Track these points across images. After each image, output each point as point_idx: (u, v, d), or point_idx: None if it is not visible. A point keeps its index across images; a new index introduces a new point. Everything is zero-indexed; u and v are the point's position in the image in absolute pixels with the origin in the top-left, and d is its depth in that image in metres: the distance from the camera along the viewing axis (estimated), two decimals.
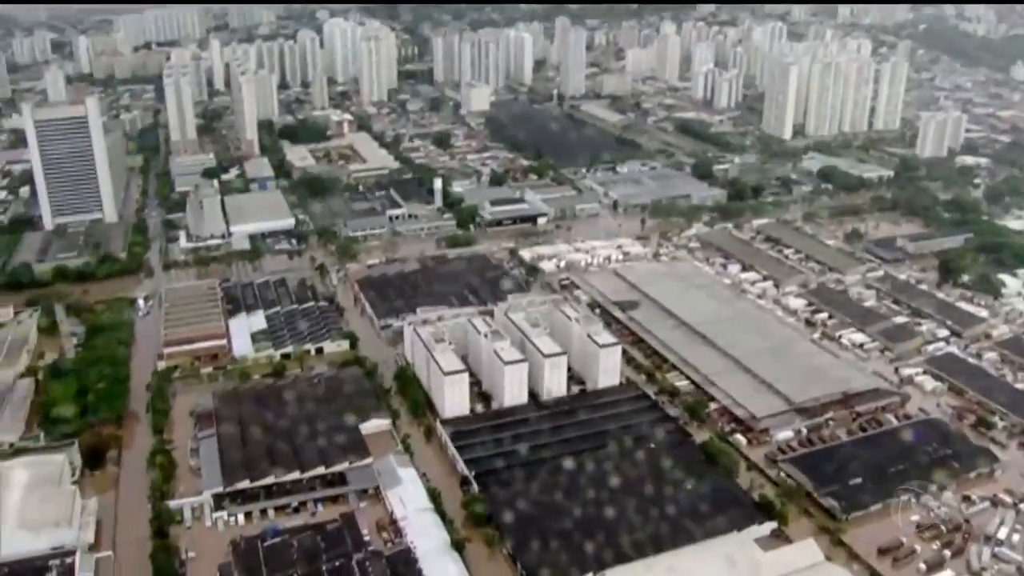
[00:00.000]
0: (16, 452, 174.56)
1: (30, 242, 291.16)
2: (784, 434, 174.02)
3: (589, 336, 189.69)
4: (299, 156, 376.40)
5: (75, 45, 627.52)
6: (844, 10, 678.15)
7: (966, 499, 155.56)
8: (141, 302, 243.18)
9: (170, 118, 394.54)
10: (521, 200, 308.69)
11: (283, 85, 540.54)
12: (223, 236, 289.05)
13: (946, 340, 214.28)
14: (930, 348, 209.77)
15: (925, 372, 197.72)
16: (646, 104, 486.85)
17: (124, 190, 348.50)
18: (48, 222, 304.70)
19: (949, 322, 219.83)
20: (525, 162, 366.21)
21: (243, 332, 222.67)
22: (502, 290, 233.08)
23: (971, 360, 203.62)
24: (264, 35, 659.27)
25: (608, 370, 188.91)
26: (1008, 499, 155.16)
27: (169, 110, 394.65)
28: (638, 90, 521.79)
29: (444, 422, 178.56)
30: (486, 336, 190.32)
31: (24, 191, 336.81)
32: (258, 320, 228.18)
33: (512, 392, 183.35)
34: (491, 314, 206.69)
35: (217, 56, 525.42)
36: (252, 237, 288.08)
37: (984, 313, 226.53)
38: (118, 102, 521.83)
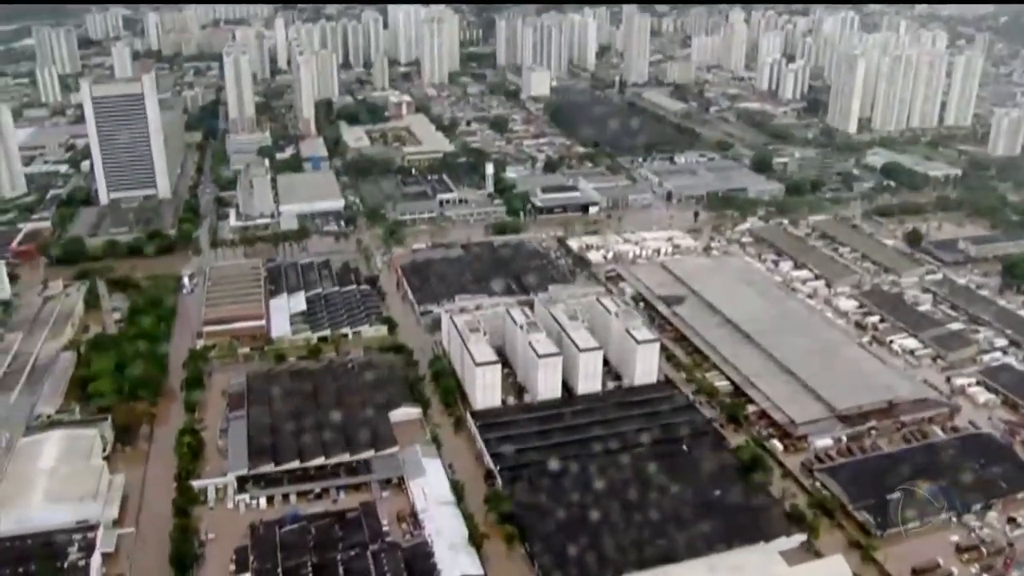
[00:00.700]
0: (51, 424, 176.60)
1: (85, 216, 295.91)
2: (823, 442, 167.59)
3: (628, 331, 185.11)
4: (355, 137, 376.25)
5: (145, 22, 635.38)
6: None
7: (1011, 521, 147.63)
8: (186, 280, 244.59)
9: (228, 96, 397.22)
10: (573, 188, 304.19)
11: (346, 65, 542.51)
12: (272, 215, 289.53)
13: (1004, 350, 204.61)
14: (986, 358, 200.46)
15: (979, 383, 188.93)
16: (709, 93, 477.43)
17: (180, 167, 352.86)
18: (104, 197, 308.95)
19: (1009, 331, 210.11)
20: (581, 149, 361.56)
21: (283, 313, 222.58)
22: (545, 280, 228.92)
23: None
24: (331, 15, 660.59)
25: (645, 367, 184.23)
26: None
27: (228, 88, 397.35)
28: (702, 79, 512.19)
29: (474, 414, 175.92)
30: (522, 328, 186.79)
31: (85, 165, 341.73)
32: (298, 302, 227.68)
33: (546, 386, 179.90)
34: (531, 304, 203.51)
35: (281, 35, 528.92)
36: (301, 217, 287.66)
37: None
38: (183, 79, 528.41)
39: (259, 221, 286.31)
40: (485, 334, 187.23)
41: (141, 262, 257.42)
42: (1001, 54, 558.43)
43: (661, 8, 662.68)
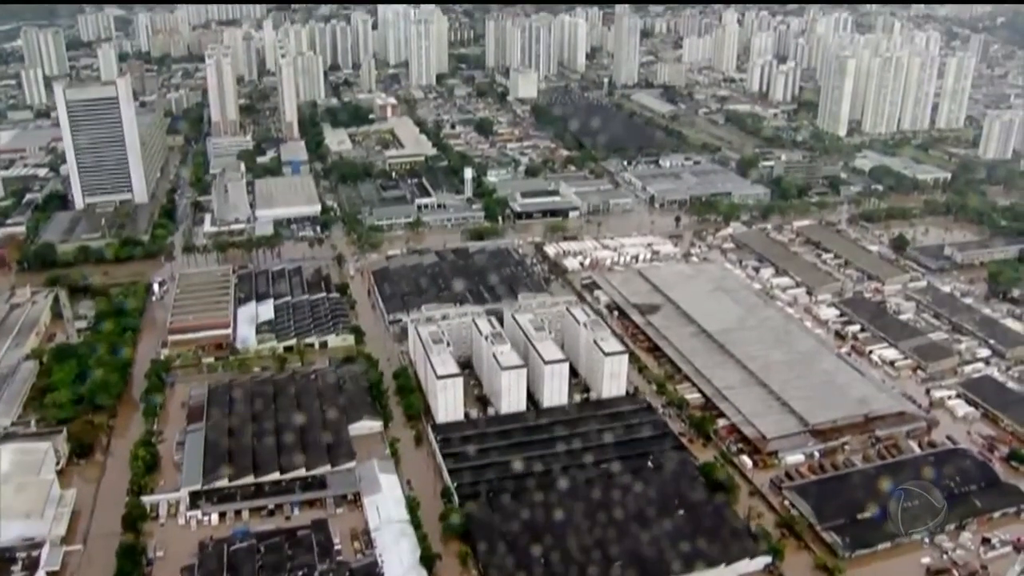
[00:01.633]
0: (5, 437, 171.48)
1: (59, 221, 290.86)
2: (794, 458, 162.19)
3: (595, 343, 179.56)
4: (337, 140, 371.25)
5: (136, 23, 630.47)
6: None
7: (985, 542, 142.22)
8: (156, 286, 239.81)
9: (210, 99, 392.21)
10: (554, 192, 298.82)
11: (334, 67, 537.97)
12: (248, 220, 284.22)
13: (986, 360, 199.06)
14: (967, 369, 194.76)
15: (959, 395, 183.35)
16: (699, 95, 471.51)
17: (160, 171, 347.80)
18: (79, 202, 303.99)
19: (992, 341, 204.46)
20: (565, 152, 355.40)
21: (250, 322, 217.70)
22: (519, 288, 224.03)
23: (1011, 385, 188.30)
24: (325, 16, 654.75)
25: (613, 379, 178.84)
26: None
27: (210, 91, 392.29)
28: (692, 80, 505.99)
29: (435, 427, 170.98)
30: (487, 339, 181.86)
31: (65, 169, 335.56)
32: (267, 310, 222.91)
33: (510, 399, 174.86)
34: (501, 314, 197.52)
35: (269, 36, 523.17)
36: (277, 222, 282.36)
37: None
38: (170, 80, 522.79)
39: (234, 226, 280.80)
40: (449, 345, 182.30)
41: (113, 268, 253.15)
42: (997, 55, 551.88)
43: (655, 8, 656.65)
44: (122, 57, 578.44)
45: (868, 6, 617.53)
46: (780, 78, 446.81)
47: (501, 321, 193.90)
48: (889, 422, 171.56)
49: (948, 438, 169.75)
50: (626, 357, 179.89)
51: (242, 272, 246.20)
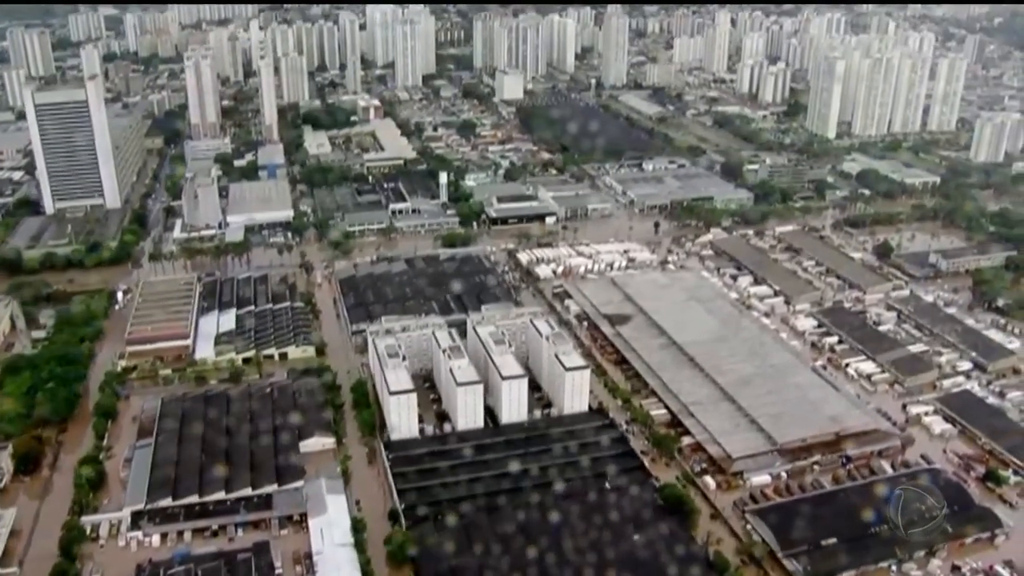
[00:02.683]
0: None
1: (27, 227, 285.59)
2: (760, 478, 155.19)
3: (557, 357, 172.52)
4: (317, 143, 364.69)
5: (124, 22, 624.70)
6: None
7: (955, 570, 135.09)
8: (120, 295, 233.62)
9: (190, 101, 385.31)
10: (531, 197, 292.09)
11: (322, 67, 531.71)
12: (219, 226, 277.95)
13: (967, 374, 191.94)
14: (947, 383, 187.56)
15: (936, 411, 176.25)
16: (688, 96, 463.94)
17: (136, 174, 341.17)
18: (49, 206, 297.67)
19: (974, 353, 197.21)
20: (547, 155, 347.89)
21: (211, 332, 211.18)
22: (487, 297, 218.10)
23: (991, 400, 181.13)
24: (317, 15, 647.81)
25: (575, 395, 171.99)
26: (1005, 573, 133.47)
27: (189, 92, 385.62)
28: (682, 81, 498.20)
29: (388, 445, 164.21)
30: (445, 352, 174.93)
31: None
32: (228, 320, 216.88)
33: (466, 415, 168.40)
34: (465, 324, 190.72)
35: (255, 37, 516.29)
36: (249, 228, 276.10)
37: (1015, 344, 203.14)
38: (156, 81, 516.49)
39: (204, 232, 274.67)
40: (405, 359, 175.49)
41: (80, 275, 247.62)
42: (992, 56, 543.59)
43: (650, 9, 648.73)
44: (109, 57, 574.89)
45: (864, 6, 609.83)
46: (770, 79, 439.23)
47: (464, 332, 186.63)
48: (862, 440, 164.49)
49: (922, 457, 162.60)
50: (588, 372, 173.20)
51: (208, 280, 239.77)
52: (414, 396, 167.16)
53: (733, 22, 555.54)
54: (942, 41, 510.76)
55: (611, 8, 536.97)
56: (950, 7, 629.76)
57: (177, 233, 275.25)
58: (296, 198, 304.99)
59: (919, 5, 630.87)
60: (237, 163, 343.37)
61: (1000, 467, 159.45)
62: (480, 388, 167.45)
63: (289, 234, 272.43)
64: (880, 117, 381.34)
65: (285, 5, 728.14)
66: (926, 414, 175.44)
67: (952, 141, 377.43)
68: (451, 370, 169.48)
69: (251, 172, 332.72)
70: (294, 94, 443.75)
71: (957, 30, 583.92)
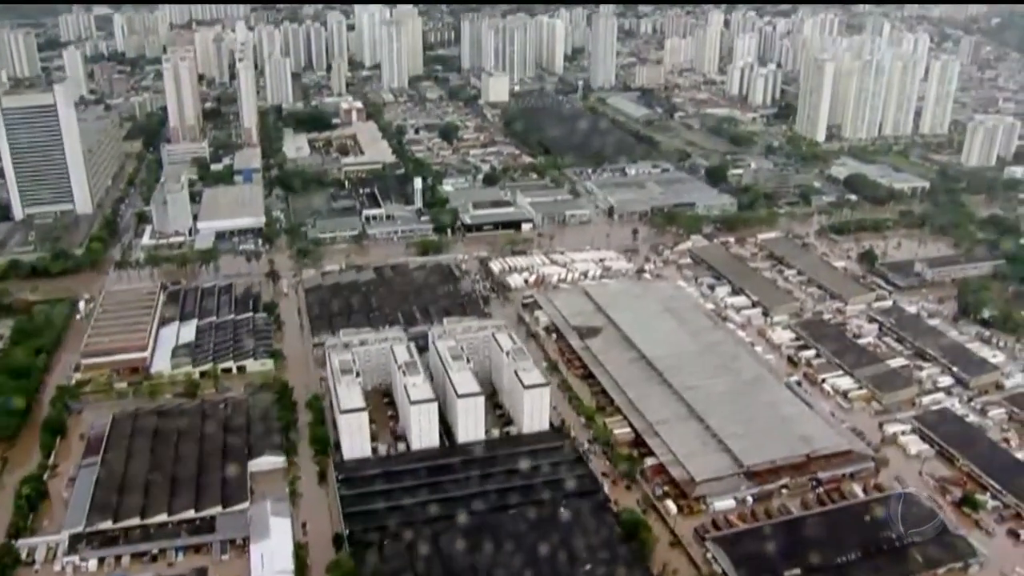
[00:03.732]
0: None
1: None
2: (724, 503, 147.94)
3: (516, 374, 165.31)
4: (296, 146, 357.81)
5: (113, 23, 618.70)
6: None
7: None
8: (82, 304, 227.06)
9: (168, 103, 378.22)
10: (508, 203, 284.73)
11: (308, 68, 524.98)
12: (189, 233, 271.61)
13: (948, 390, 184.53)
14: (926, 400, 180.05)
15: (913, 430, 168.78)
16: (677, 98, 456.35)
17: (112, 179, 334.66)
18: (18, 212, 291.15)
19: (955, 368, 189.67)
20: (530, 159, 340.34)
21: (170, 344, 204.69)
22: (455, 308, 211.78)
23: (971, 418, 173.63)
24: (308, 15, 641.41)
25: (535, 413, 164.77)
26: None
27: (168, 95, 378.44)
28: (672, 82, 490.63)
29: (339, 465, 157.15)
30: (400, 368, 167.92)
31: None
32: (189, 331, 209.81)
33: (421, 434, 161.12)
34: (425, 338, 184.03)
35: (241, 38, 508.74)
36: (220, 235, 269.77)
37: (999, 358, 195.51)
38: (141, 82, 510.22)
39: (174, 239, 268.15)
40: (359, 375, 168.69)
41: (45, 283, 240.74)
42: (988, 57, 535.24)
43: (644, 9, 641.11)
44: (96, 58, 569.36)
45: (860, 7, 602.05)
46: (760, 81, 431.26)
47: (426, 346, 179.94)
48: (833, 462, 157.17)
49: (897, 480, 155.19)
50: (548, 390, 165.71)
51: (173, 289, 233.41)
52: (365, 415, 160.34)
53: (727, 23, 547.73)
54: (938, 42, 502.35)
55: (603, 8, 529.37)
56: (947, 8, 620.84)
57: (146, 240, 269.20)
58: (272, 203, 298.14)
59: (916, 6, 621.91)
60: (214, 167, 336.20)
61: (978, 491, 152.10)
62: (434, 406, 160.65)
63: (259, 241, 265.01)
64: (871, 120, 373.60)
65: (278, 5, 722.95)
66: (903, 433, 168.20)
67: (944, 144, 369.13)
68: (405, 387, 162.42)
69: (227, 176, 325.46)
70: (278, 96, 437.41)
71: (954, 31, 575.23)
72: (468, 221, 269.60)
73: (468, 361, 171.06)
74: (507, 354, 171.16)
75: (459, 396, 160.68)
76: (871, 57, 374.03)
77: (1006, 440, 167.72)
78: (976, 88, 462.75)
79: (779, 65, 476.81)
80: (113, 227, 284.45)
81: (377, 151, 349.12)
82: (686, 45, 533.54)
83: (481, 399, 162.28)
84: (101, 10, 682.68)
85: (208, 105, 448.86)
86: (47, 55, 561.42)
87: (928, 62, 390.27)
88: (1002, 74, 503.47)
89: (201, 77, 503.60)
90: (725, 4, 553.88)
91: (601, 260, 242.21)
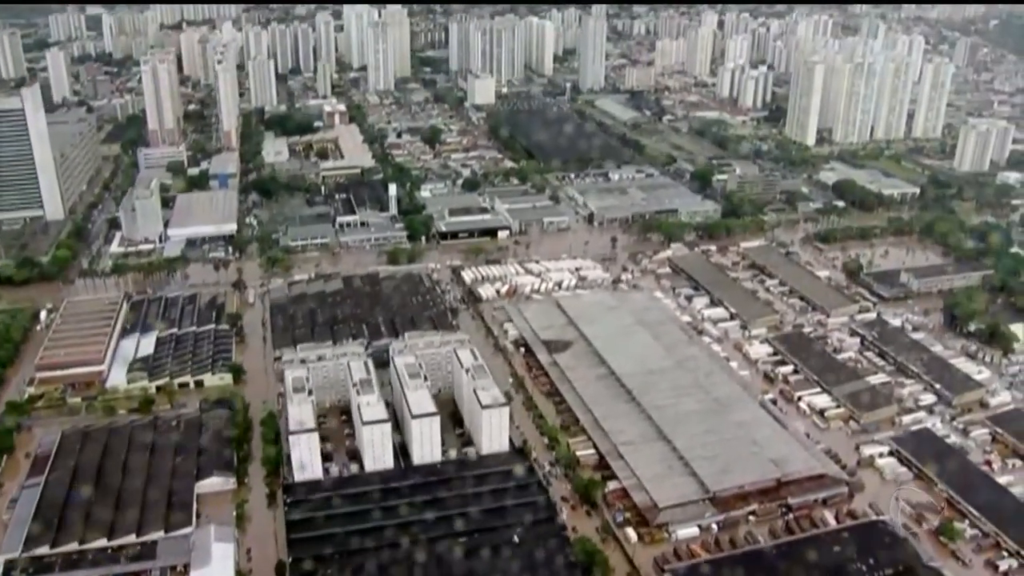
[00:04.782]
0: None
1: None
2: (687, 531, 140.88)
3: (475, 392, 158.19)
4: (275, 150, 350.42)
5: (102, 23, 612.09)
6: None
7: None
8: (44, 314, 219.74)
9: (147, 106, 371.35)
10: (485, 210, 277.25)
11: (295, 70, 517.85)
12: (160, 240, 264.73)
13: (930, 408, 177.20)
14: (906, 419, 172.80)
15: (891, 453, 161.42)
16: (667, 100, 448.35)
17: (87, 183, 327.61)
18: None
19: (938, 385, 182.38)
20: (512, 164, 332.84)
21: (128, 357, 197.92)
22: (422, 320, 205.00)
23: (952, 439, 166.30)
24: (302, 16, 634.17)
25: (494, 434, 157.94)
26: None
27: (146, 98, 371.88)
28: (662, 84, 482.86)
29: (288, 487, 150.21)
30: (355, 386, 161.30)
31: None
32: (149, 343, 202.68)
33: (374, 455, 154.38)
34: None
35: (227, 39, 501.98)
36: (190, 242, 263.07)
37: (985, 374, 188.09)
38: (127, 83, 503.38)
39: (143, 247, 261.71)
40: (311, 393, 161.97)
41: (8, 292, 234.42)
42: (984, 59, 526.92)
43: (638, 9, 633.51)
44: (83, 59, 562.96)
45: (858, 9, 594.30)
46: (750, 83, 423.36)
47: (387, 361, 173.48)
48: (805, 487, 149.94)
49: (871, 506, 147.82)
50: (507, 411, 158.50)
51: (137, 299, 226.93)
52: (315, 436, 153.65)
53: (721, 24, 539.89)
54: (934, 44, 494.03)
55: (595, 9, 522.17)
56: (945, 9, 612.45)
57: (115, 247, 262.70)
58: (247, 209, 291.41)
59: (913, 6, 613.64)
60: (191, 171, 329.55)
61: (956, 518, 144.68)
62: (387, 427, 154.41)
63: (229, 249, 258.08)
64: (862, 124, 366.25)
65: (272, 5, 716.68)
66: (880, 455, 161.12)
67: (937, 149, 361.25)
68: (359, 406, 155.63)
69: (203, 181, 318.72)
70: (261, 98, 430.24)
71: (951, 33, 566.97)
72: (443, 228, 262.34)
73: (426, 379, 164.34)
74: (467, 371, 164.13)
75: (413, 417, 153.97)
76: (863, 59, 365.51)
77: (988, 463, 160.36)
78: (971, 91, 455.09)
79: (772, 67, 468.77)
80: (83, 234, 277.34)
81: (357, 155, 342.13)
82: (678, 47, 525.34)
83: (436, 420, 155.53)
84: (95, 10, 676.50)
85: (192, 107, 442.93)
86: (36, 56, 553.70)
87: (921, 64, 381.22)
88: (998, 77, 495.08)
89: (187, 79, 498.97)
90: (720, 4, 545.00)
91: (577, 269, 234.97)
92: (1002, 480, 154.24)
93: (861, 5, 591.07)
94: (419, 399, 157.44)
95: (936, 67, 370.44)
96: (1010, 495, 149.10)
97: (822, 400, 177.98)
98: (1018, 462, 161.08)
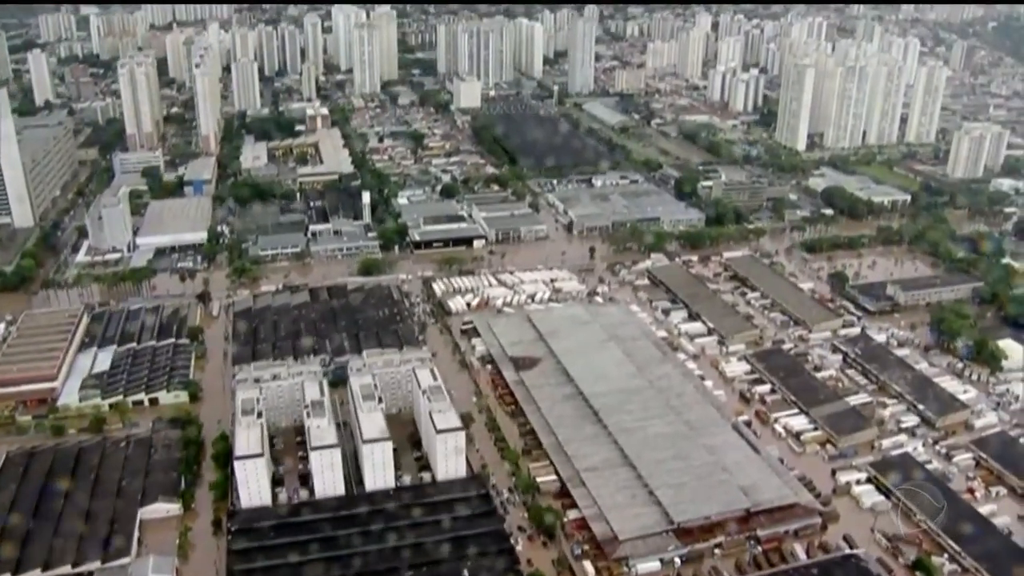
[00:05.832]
0: None
1: None
2: (648, 566, 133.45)
3: (431, 416, 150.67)
4: (253, 155, 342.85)
5: (90, 23, 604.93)
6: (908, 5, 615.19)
7: None
8: (2, 326, 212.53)
9: (124, 110, 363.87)
10: (461, 218, 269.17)
11: (282, 72, 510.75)
12: (128, 249, 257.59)
13: (912, 431, 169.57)
14: (886, 443, 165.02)
15: (869, 480, 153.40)
16: (656, 104, 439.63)
17: (61, 188, 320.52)
18: None
19: (921, 406, 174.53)
20: (494, 169, 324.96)
21: (84, 373, 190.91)
22: (389, 335, 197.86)
23: (933, 464, 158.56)
24: (294, 17, 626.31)
25: (449, 459, 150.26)
26: None
27: (124, 101, 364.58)
28: (653, 87, 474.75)
29: (233, 514, 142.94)
30: (307, 408, 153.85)
31: None
32: (106, 359, 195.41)
33: (323, 481, 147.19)
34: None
35: (214, 40, 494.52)
36: (160, 251, 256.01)
37: (971, 394, 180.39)
38: (111, 86, 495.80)
39: (110, 256, 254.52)
40: (261, 416, 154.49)
41: None
42: (981, 62, 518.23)
43: (633, 10, 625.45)
44: (69, 60, 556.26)
45: (855, 10, 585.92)
46: (741, 86, 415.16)
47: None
48: (776, 518, 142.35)
49: (845, 539, 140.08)
50: (463, 435, 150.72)
51: (99, 311, 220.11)
52: (262, 461, 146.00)
53: (715, 26, 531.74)
54: (931, 47, 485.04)
55: (587, 11, 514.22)
56: (944, 10, 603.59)
57: (81, 256, 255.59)
58: (222, 217, 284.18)
59: (911, 7, 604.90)
60: (167, 177, 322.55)
61: (934, 551, 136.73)
62: (337, 452, 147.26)
63: (198, 258, 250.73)
64: (853, 128, 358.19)
65: (264, 6, 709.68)
66: (857, 482, 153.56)
67: (931, 154, 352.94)
68: (309, 429, 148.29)
69: (178, 188, 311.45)
70: (245, 101, 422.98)
71: (948, 34, 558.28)
72: (417, 237, 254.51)
73: (380, 400, 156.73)
74: (423, 392, 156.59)
75: (364, 442, 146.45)
76: (854, 63, 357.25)
77: (970, 491, 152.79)
78: (968, 94, 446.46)
79: (765, 70, 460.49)
80: (52, 242, 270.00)
81: (336, 161, 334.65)
82: (669, 49, 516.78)
83: (388, 445, 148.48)
84: (90, 10, 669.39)
85: (175, 110, 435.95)
86: (24, 57, 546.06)
87: (915, 68, 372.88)
88: (995, 80, 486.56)
89: (172, 81, 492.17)
90: (716, 4, 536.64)
91: (552, 281, 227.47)
92: (984, 510, 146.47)
93: (859, 7, 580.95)
94: (371, 423, 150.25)
95: (930, 70, 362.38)
96: (992, 527, 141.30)
97: (799, 422, 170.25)
98: (1002, 490, 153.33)
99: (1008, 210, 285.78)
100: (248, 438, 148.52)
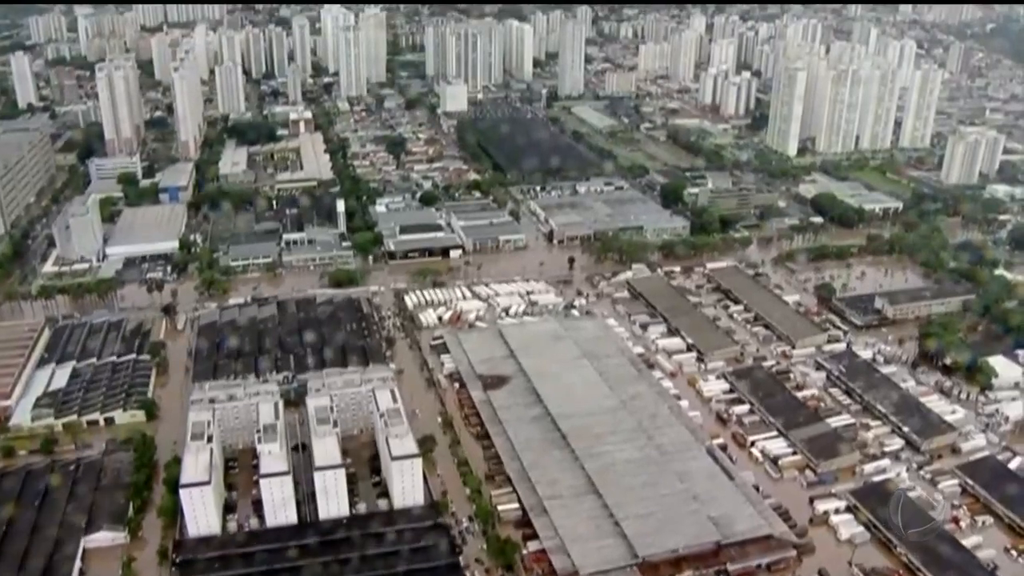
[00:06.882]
0: None
1: None
2: None
3: (387, 441, 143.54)
4: (231, 161, 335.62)
5: (78, 24, 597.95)
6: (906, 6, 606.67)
7: None
8: None
9: (103, 114, 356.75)
10: (438, 227, 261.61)
11: (269, 75, 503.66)
12: (98, 259, 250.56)
13: (896, 455, 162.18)
14: (869, 468, 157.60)
15: (848, 508, 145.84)
16: (647, 107, 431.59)
17: (36, 195, 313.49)
18: None
19: (906, 428, 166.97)
20: (476, 176, 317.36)
21: (39, 391, 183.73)
22: (354, 350, 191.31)
23: (918, 492, 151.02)
24: (287, 17, 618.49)
25: (406, 486, 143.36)
26: None
27: (102, 105, 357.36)
28: (644, 90, 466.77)
29: (179, 544, 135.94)
30: (258, 433, 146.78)
31: None
32: (63, 375, 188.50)
33: (274, 510, 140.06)
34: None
35: (201, 42, 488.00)
36: (130, 261, 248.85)
37: (959, 415, 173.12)
38: (95, 88, 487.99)
39: (77, 266, 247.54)
40: (211, 440, 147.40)
41: None
42: (979, 64, 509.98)
43: (628, 12, 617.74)
44: (56, 62, 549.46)
45: (853, 12, 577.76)
46: (733, 90, 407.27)
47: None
48: (748, 551, 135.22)
49: (820, 574, 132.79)
50: (419, 462, 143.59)
51: (61, 325, 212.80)
52: (208, 489, 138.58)
53: (709, 28, 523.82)
54: (928, 49, 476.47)
55: (579, 12, 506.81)
56: (941, 12, 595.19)
57: (48, 267, 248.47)
58: (197, 225, 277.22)
59: (910, 7, 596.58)
60: (144, 183, 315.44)
61: None
62: (288, 480, 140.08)
63: (168, 269, 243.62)
64: (846, 133, 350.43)
65: (256, 6, 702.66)
66: (836, 511, 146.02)
67: (925, 159, 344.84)
68: (259, 454, 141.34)
69: (153, 194, 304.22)
70: (229, 105, 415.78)
71: (946, 36, 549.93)
72: (392, 247, 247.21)
73: (335, 424, 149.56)
74: (381, 416, 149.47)
75: (316, 469, 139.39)
76: (847, 66, 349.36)
77: (955, 520, 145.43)
78: (964, 98, 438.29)
79: (758, 73, 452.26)
80: (22, 251, 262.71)
81: (316, 166, 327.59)
82: (661, 51, 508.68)
83: (342, 472, 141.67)
84: (81, 10, 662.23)
85: (158, 113, 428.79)
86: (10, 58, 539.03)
87: (911, 71, 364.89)
88: (992, 83, 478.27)
89: (158, 84, 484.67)
90: (712, 4, 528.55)
91: (528, 293, 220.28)
92: (969, 541, 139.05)
93: (856, 9, 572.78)
94: (325, 448, 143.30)
95: (925, 74, 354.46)
96: (976, 561, 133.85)
97: (777, 445, 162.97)
98: (988, 519, 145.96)
99: (1002, 217, 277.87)
100: (196, 464, 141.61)
